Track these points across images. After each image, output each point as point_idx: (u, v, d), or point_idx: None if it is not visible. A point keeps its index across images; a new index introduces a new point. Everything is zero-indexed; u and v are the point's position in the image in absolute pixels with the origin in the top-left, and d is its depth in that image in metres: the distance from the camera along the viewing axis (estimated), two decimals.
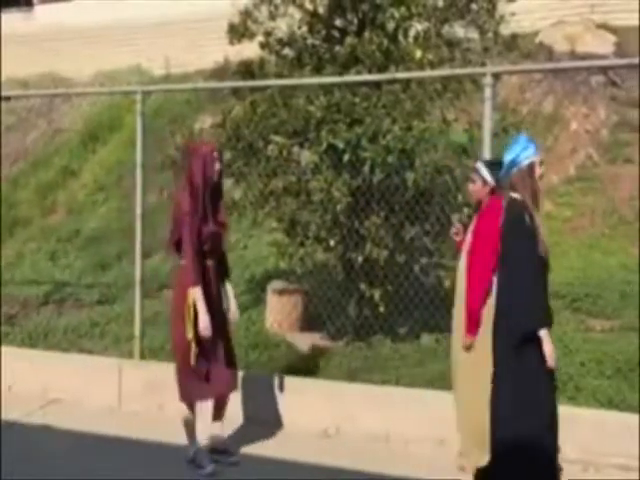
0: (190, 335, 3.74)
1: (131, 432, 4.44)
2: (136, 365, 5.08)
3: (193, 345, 3.75)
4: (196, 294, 3.74)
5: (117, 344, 6.15)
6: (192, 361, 3.77)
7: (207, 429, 3.88)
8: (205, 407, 3.85)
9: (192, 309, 3.75)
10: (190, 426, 3.92)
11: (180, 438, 4.04)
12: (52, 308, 7.43)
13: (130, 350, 5.32)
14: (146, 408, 4.85)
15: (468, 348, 3.61)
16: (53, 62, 13.18)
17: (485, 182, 3.75)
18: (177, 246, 3.91)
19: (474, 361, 3.63)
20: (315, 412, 4.46)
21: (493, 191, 3.76)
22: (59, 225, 9.89)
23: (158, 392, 4.85)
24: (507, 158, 3.33)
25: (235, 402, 4.53)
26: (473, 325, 3.59)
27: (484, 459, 3.61)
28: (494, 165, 3.86)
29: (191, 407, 3.90)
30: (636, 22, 10.01)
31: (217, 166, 3.93)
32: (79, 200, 10.50)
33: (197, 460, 3.89)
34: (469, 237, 3.80)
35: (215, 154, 3.94)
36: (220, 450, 4.00)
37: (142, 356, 5.14)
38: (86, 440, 4.37)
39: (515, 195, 3.29)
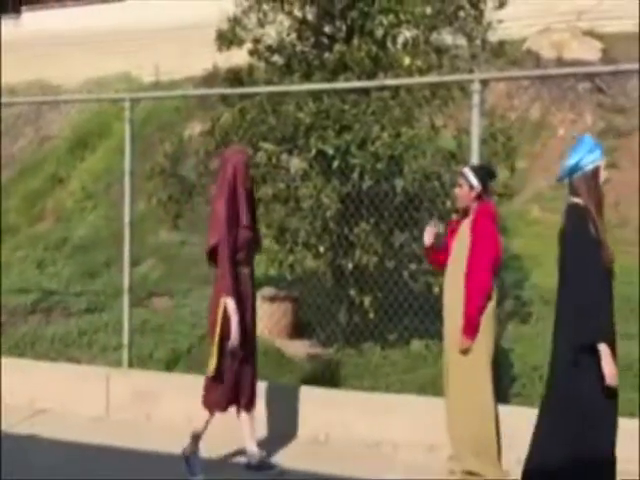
0: (215, 345, 3.69)
1: (119, 441, 4.41)
2: (124, 374, 5.05)
3: (215, 354, 3.69)
4: (229, 305, 3.67)
5: (105, 353, 6.11)
6: (210, 371, 3.71)
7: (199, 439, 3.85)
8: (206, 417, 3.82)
9: (222, 318, 3.68)
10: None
11: (168, 447, 4.01)
12: (39, 317, 7.37)
13: (118, 359, 5.28)
14: (134, 417, 4.81)
15: (465, 352, 3.62)
16: (41, 69, 13.13)
17: (472, 187, 3.77)
18: (211, 254, 3.82)
19: (469, 365, 3.64)
20: (305, 419, 4.44)
21: (479, 196, 3.78)
22: (47, 233, 9.83)
23: (146, 401, 4.82)
24: (570, 161, 3.10)
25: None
26: (472, 330, 3.63)
27: (475, 464, 3.62)
28: (481, 170, 3.89)
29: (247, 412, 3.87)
30: (622, 29, 10.11)
31: (249, 172, 3.91)
32: (67, 208, 10.45)
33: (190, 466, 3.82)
34: (454, 243, 3.81)
35: (249, 160, 3.92)
36: (259, 465, 3.93)
37: (130, 365, 5.10)
38: (74, 450, 4.33)
39: (577, 200, 3.09)
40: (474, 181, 3.76)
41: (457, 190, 3.84)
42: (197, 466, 3.81)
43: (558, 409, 2.98)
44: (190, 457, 3.82)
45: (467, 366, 3.65)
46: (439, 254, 3.94)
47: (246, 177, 3.85)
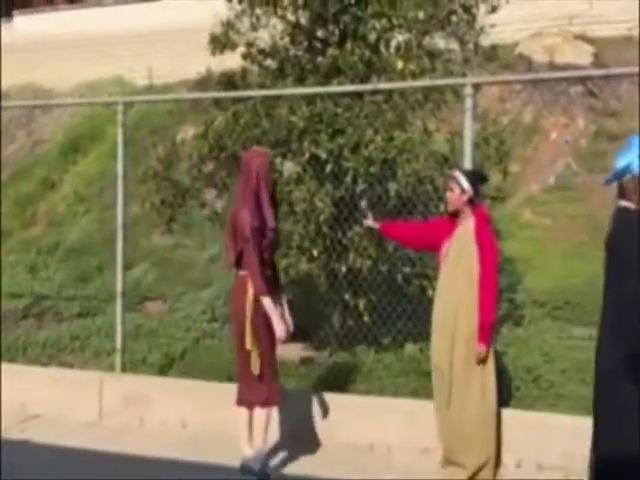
0: (250, 345, 3.73)
1: (112, 446, 4.39)
2: (117, 379, 5.03)
3: (254, 354, 3.75)
4: (266, 303, 3.72)
5: (98, 358, 6.09)
6: (256, 370, 3.77)
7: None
8: (267, 414, 3.84)
9: (252, 319, 3.72)
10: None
11: (162, 451, 4.00)
12: (32, 322, 7.34)
13: (111, 363, 5.26)
14: (127, 422, 4.79)
15: (484, 360, 3.63)
16: (33, 73, 13.08)
17: (463, 191, 3.79)
18: (237, 259, 3.84)
19: (477, 368, 3.66)
20: (298, 422, 4.43)
21: (471, 200, 3.79)
22: (39, 237, 9.79)
23: (139, 406, 4.80)
24: (620, 163, 2.98)
25: (217, 413, 4.50)
26: (490, 336, 3.67)
27: (472, 462, 3.62)
28: (472, 174, 3.90)
29: (250, 412, 3.88)
30: (613, 33, 10.17)
31: (272, 174, 3.94)
32: (59, 212, 10.41)
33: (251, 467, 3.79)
34: (446, 246, 3.82)
35: (271, 164, 3.94)
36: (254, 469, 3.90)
37: (123, 369, 5.09)
38: (67, 455, 4.31)
39: (626, 204, 2.97)
40: (466, 185, 3.78)
41: (448, 194, 3.86)
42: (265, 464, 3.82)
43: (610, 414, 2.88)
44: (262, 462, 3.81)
45: (475, 368, 3.68)
46: (393, 228, 4.15)
47: (269, 179, 3.88)
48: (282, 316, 3.92)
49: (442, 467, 3.81)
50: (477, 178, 3.88)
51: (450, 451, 3.73)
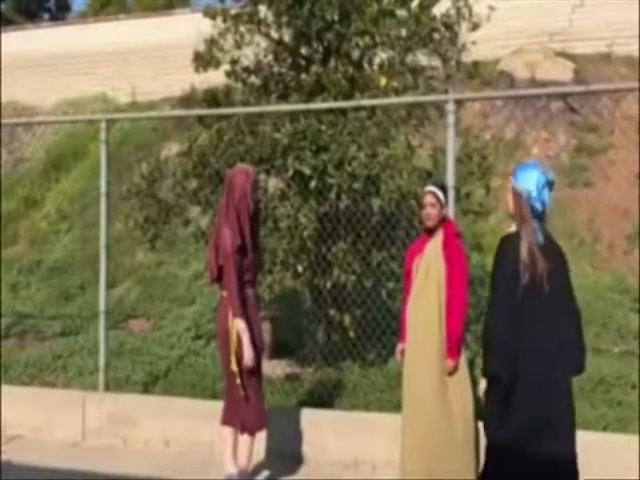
0: (235, 367, 3.72)
1: (96, 466, 4.32)
2: (100, 398, 4.97)
3: (237, 377, 3.74)
4: (240, 326, 3.70)
5: (81, 377, 6.01)
6: (240, 392, 3.76)
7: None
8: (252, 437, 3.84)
9: (236, 340, 3.71)
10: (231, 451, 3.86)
11: (145, 471, 3.94)
12: (13, 341, 7.25)
13: (94, 382, 5.20)
14: (111, 442, 4.73)
15: (452, 373, 3.63)
16: (15, 91, 13.03)
17: (442, 206, 3.79)
18: (218, 277, 3.82)
19: (444, 385, 3.64)
20: (283, 438, 4.40)
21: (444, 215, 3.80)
22: (21, 256, 9.70)
23: (123, 425, 4.74)
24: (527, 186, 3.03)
25: (202, 431, 4.46)
26: (458, 350, 3.66)
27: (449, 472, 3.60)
28: (443, 187, 3.89)
29: (235, 431, 3.86)
30: (593, 50, 10.35)
31: (257, 193, 3.91)
32: (42, 230, 10.33)
33: None
34: (416, 261, 3.80)
35: (255, 182, 3.90)
36: None
37: (107, 388, 5.02)
38: (49, 477, 4.22)
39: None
40: (444, 200, 3.79)
41: (429, 209, 3.79)
42: None
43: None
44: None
45: (448, 380, 3.66)
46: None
47: (252, 198, 3.84)
48: (260, 339, 3.89)
49: None
50: (445, 191, 3.89)
51: (429, 467, 3.69)
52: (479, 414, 3.63)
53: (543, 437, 2.92)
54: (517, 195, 3.07)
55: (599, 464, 3.59)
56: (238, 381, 3.74)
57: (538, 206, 3.03)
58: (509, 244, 3.04)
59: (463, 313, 3.66)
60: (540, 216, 3.06)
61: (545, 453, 2.90)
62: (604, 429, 4.57)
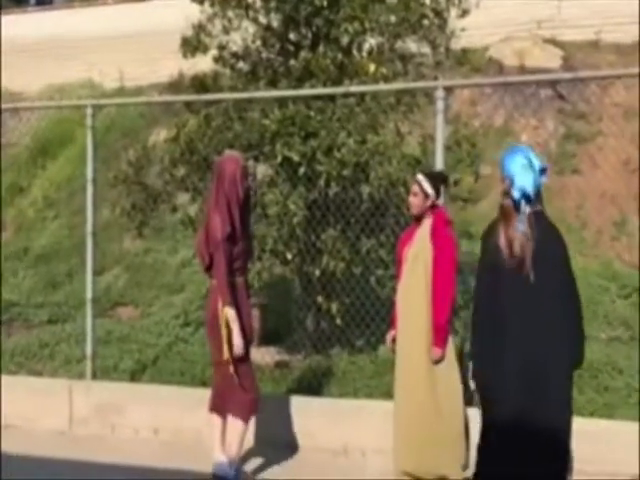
0: (227, 355, 3.70)
1: (83, 455, 4.31)
2: (88, 386, 4.94)
3: (231, 365, 3.72)
4: (229, 314, 3.68)
5: (68, 365, 5.99)
6: (235, 380, 3.74)
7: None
8: (244, 424, 3.81)
9: (226, 329, 3.69)
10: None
11: (134, 459, 3.94)
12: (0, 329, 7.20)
13: (81, 371, 5.17)
14: (98, 430, 4.72)
15: (439, 361, 3.63)
16: (1, 76, 12.86)
17: (427, 196, 3.77)
18: (208, 265, 3.80)
19: (438, 368, 3.66)
20: (273, 426, 4.41)
21: (433, 204, 3.78)
22: (7, 243, 9.61)
23: (111, 413, 4.73)
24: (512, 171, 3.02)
25: (190, 419, 4.45)
26: (444, 340, 3.66)
27: (439, 466, 3.62)
28: (434, 177, 3.87)
29: (223, 419, 3.84)
30: (581, 37, 10.34)
31: (247, 181, 3.87)
32: (28, 217, 10.24)
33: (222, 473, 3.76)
34: (406, 249, 3.80)
35: (245, 169, 3.87)
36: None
37: (94, 376, 5.00)
38: (37, 465, 4.21)
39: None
40: (429, 190, 3.77)
41: (412, 198, 3.80)
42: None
43: None
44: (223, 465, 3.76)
45: (436, 369, 3.67)
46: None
47: (242, 185, 3.81)
48: (250, 327, 3.88)
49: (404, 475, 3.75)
50: (439, 180, 3.87)
51: (419, 456, 3.70)
52: (467, 399, 3.66)
53: (536, 409, 2.91)
54: (501, 180, 3.10)
55: (589, 450, 3.62)
56: (231, 369, 3.72)
57: (520, 191, 2.99)
58: (489, 229, 3.10)
59: (449, 303, 3.65)
60: (529, 200, 3.01)
61: (537, 420, 2.91)
62: (591, 414, 4.60)
